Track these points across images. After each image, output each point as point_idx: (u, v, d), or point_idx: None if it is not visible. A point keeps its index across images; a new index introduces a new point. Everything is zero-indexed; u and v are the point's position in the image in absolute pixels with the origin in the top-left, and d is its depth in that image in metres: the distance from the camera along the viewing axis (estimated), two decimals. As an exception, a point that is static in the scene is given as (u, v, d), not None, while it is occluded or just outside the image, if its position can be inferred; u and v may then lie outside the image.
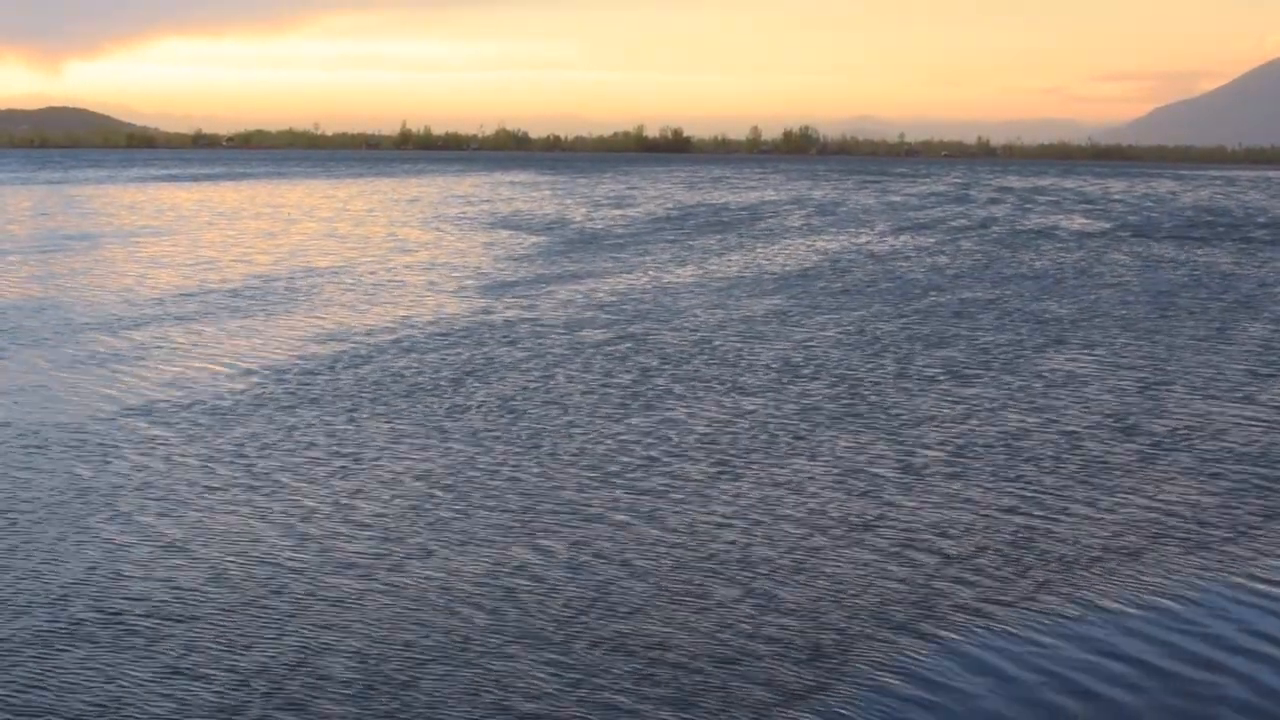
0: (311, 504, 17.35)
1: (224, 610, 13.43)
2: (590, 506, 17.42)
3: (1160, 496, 18.38)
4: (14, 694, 11.41)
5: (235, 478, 18.59)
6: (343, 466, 19.28)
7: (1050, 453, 20.73)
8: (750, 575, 14.80)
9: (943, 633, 13.14)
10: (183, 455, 19.86)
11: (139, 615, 13.27)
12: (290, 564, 14.91)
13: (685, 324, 33.84)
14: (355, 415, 22.68)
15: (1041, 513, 17.51)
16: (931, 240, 64.25)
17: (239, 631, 12.88)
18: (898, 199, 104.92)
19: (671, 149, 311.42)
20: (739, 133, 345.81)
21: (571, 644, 12.66)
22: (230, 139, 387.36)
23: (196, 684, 11.66)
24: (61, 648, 12.43)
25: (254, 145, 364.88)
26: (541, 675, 11.91)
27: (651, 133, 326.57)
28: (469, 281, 43.41)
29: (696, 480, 18.80)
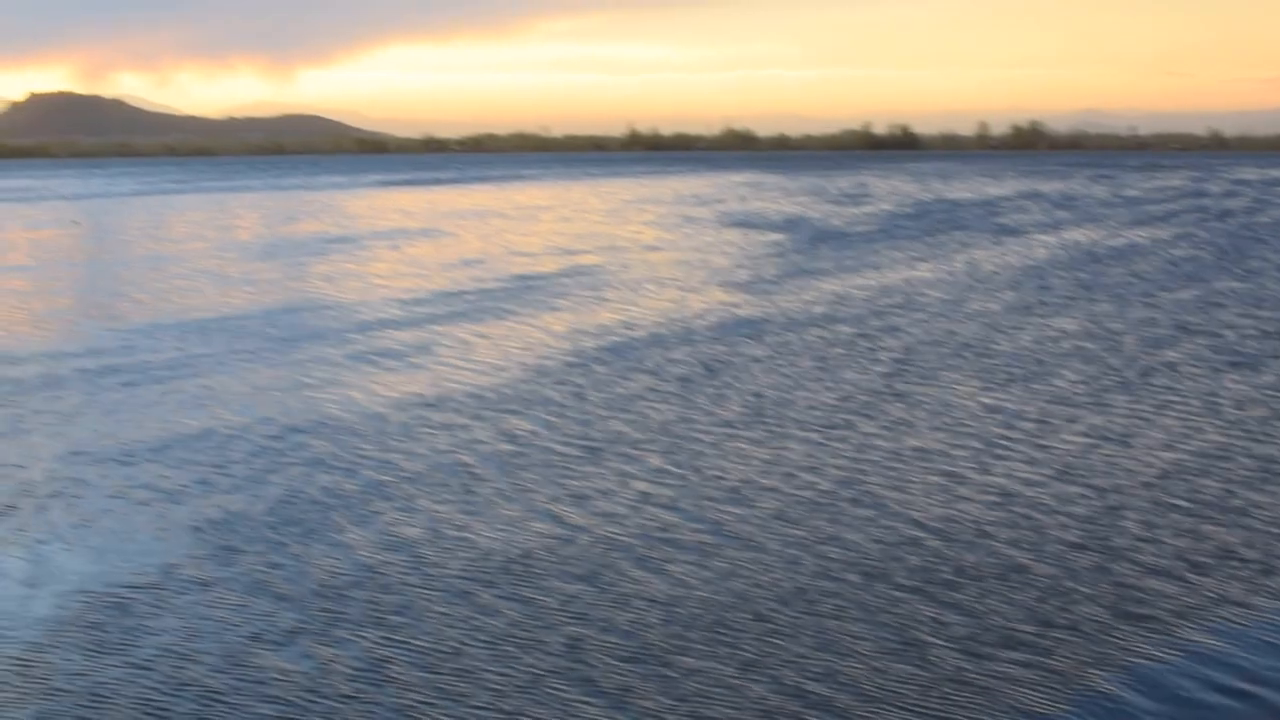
0: (636, 480, 18.96)
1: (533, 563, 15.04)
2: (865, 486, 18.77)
3: None
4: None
5: (533, 462, 20.27)
6: (640, 446, 20.86)
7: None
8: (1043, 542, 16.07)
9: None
10: (482, 440, 21.62)
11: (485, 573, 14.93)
12: (621, 538, 16.50)
13: (932, 318, 34.93)
14: (628, 405, 24.29)
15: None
16: (1169, 233, 64.16)
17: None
18: (1132, 193, 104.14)
19: (899, 146, 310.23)
20: (966, 129, 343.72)
21: (893, 614, 14.06)
22: (460, 143, 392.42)
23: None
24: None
25: (484, 149, 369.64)
26: (857, 643, 13.33)
27: (879, 130, 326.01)
28: (722, 278, 44.87)
29: (950, 467, 20.02)
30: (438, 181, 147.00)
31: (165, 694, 11.94)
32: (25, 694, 11.95)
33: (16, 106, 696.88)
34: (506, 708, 11.62)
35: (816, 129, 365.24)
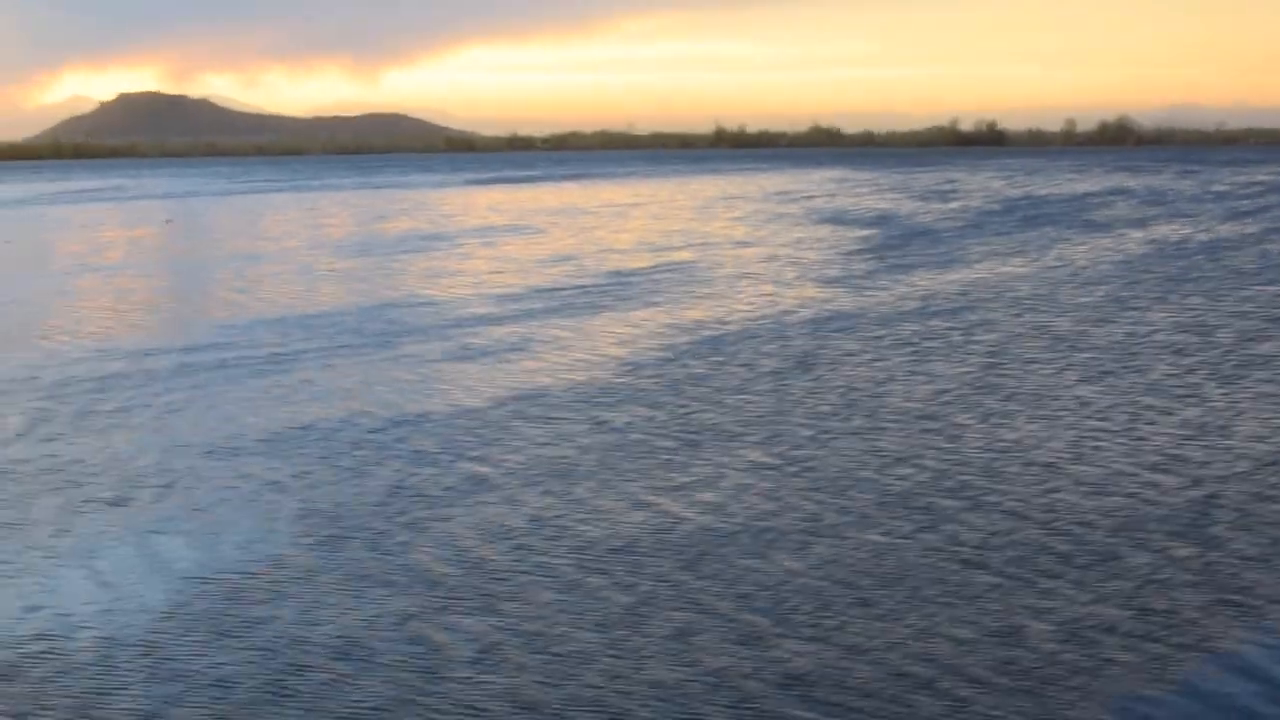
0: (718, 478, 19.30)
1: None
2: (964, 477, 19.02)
3: None
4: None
5: (635, 458, 20.62)
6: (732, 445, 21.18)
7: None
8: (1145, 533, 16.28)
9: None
10: (581, 433, 22.01)
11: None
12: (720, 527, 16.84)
13: (1025, 312, 35.03)
14: (725, 398, 24.63)
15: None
16: (1259, 228, 63.75)
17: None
18: (1222, 187, 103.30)
19: (985, 142, 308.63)
20: (1053, 125, 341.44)
21: (980, 605, 14.31)
22: (545, 140, 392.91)
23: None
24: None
25: (569, 146, 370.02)
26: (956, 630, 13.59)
27: (965, 126, 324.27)
28: (813, 274, 45.09)
29: (1044, 459, 20.22)
30: (526, 179, 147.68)
31: (285, 676, 12.32)
32: (151, 677, 12.35)
33: (106, 107, 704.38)
34: (617, 688, 11.92)
35: (902, 126, 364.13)
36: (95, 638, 13.30)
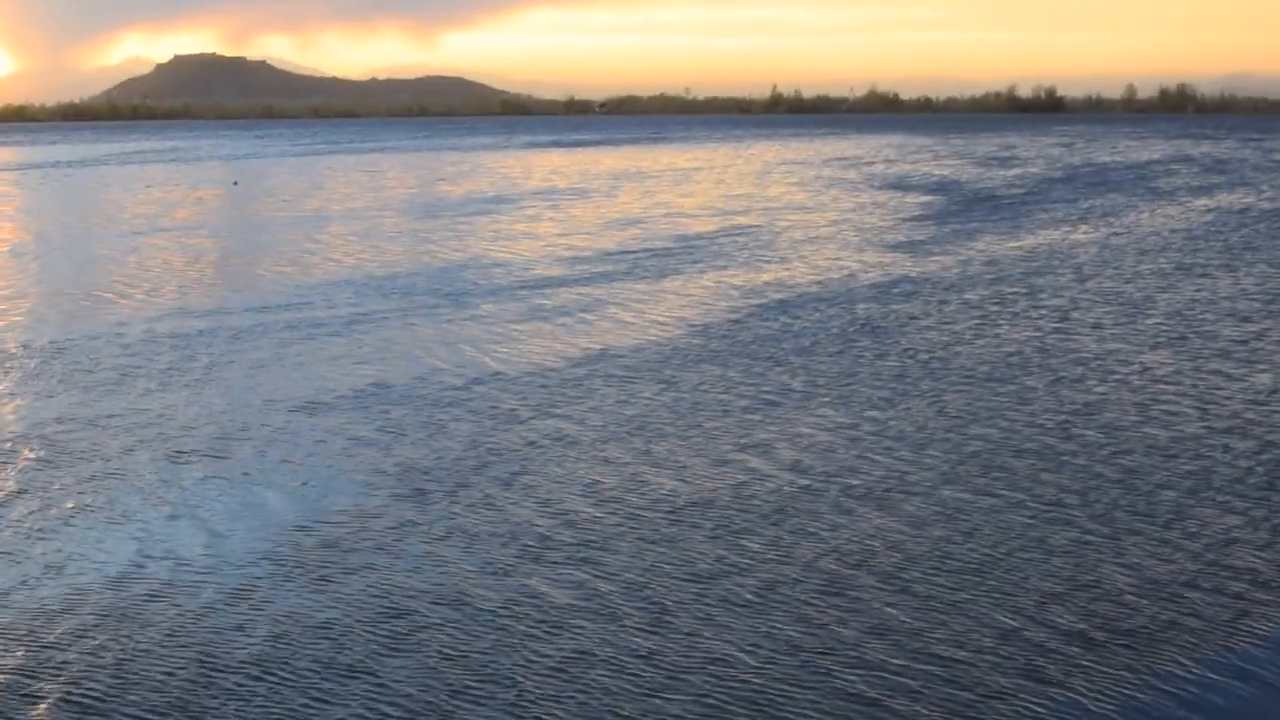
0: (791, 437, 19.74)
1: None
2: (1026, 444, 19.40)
3: None
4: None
5: (700, 412, 21.08)
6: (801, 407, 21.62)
7: None
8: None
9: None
10: (658, 394, 22.47)
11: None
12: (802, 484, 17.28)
13: (1090, 278, 35.28)
14: (797, 360, 25.05)
15: None
16: (1326, 198, 63.67)
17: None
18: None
19: (1044, 109, 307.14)
20: (1113, 91, 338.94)
21: (1016, 583, 14.73)
22: (603, 104, 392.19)
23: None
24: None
25: (626, 110, 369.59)
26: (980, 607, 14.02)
27: (1024, 93, 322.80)
28: (876, 239, 45.43)
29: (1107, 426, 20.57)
30: (585, 143, 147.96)
31: (389, 621, 12.84)
32: (253, 622, 12.88)
33: (162, 68, 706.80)
34: (707, 634, 12.39)
35: (960, 91, 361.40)
36: (205, 583, 13.85)
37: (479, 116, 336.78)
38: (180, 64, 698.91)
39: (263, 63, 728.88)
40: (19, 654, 12.05)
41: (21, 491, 17.05)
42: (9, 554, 14.70)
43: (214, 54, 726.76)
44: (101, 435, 19.81)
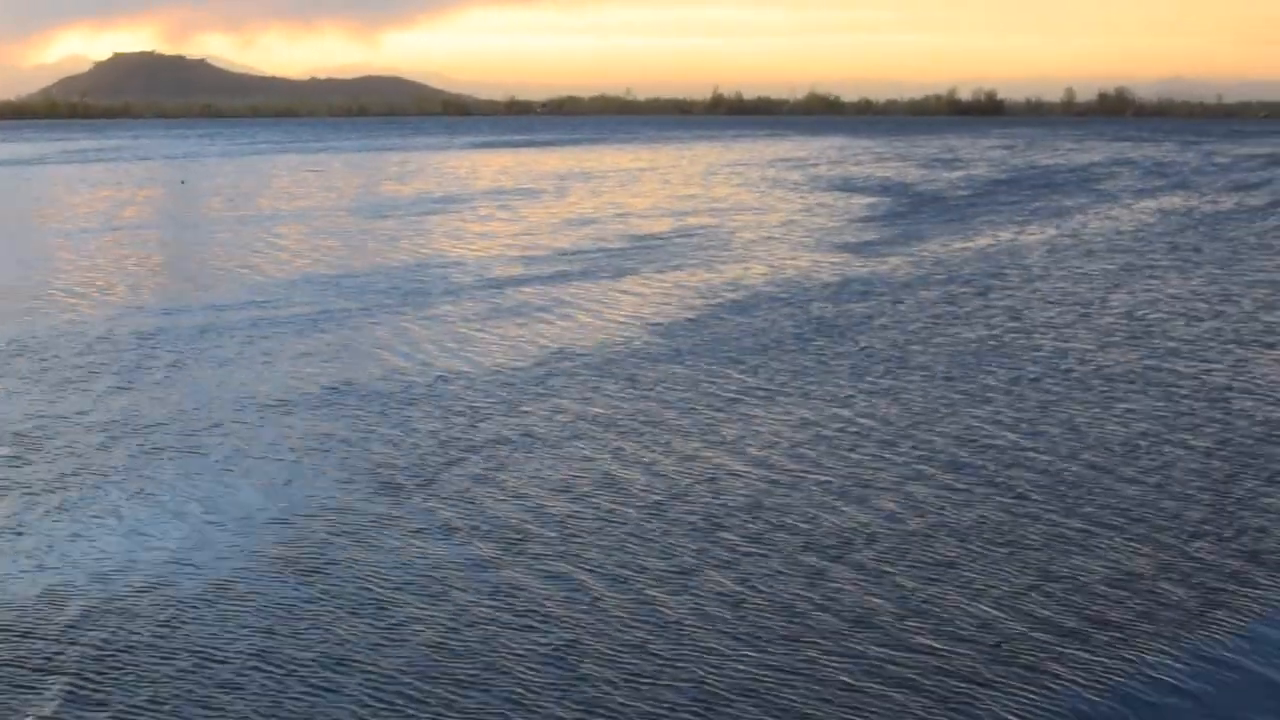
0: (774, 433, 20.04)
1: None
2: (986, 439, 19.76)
3: None
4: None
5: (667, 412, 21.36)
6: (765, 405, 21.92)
7: None
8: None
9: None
10: (620, 394, 22.74)
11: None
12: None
13: (1040, 279, 35.77)
14: (761, 359, 25.38)
15: None
16: (1264, 200, 64.44)
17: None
18: (1224, 160, 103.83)
19: (984, 111, 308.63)
20: (1053, 95, 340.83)
21: (1001, 568, 15.08)
22: (544, 105, 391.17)
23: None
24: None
25: (566, 111, 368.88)
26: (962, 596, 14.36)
27: (964, 95, 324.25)
28: (828, 240, 45.86)
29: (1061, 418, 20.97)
30: (530, 144, 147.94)
31: (374, 610, 13.08)
32: (230, 613, 13.09)
33: (100, 66, 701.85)
34: (690, 623, 12.67)
35: (901, 94, 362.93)
36: (194, 577, 14.04)
37: (420, 116, 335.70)
38: (119, 62, 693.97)
39: (202, 61, 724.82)
40: (11, 646, 12.21)
41: (22, 487, 17.18)
42: (-6, 548, 14.86)
43: (153, 52, 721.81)
44: (73, 431, 19.90)
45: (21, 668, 11.80)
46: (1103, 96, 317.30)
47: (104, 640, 12.37)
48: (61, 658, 12.00)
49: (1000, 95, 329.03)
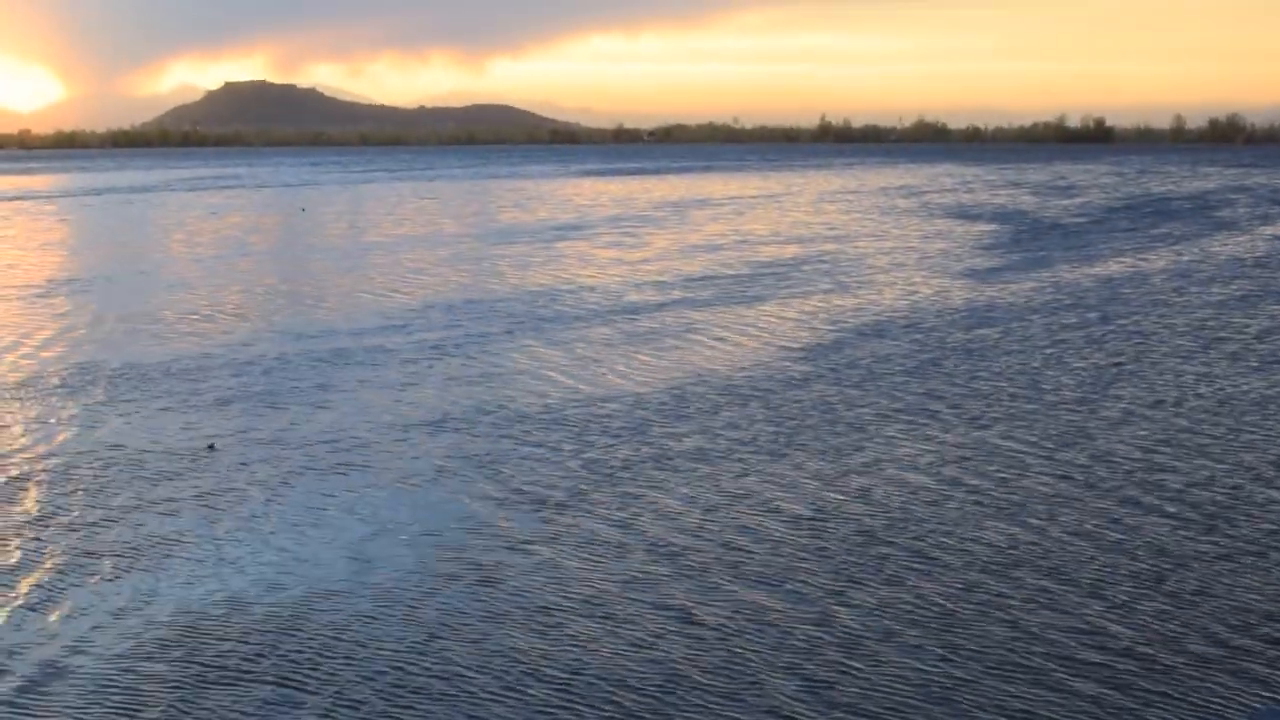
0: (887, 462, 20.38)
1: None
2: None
3: None
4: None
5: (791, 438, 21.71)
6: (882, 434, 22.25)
7: None
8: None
9: None
10: (761, 418, 23.12)
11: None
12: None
13: (1165, 306, 35.80)
14: (889, 381, 25.69)
15: None
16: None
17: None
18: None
19: (1092, 139, 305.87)
20: (1161, 122, 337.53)
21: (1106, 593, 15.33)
22: (651, 133, 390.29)
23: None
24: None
25: (674, 139, 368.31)
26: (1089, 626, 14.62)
27: (1072, 123, 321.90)
28: (951, 266, 46.00)
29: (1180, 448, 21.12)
30: (640, 171, 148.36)
31: (544, 627, 13.52)
32: (406, 622, 13.58)
33: (212, 95, 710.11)
34: (871, 641, 13.04)
35: (1008, 121, 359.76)
36: (366, 589, 14.56)
37: (528, 144, 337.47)
38: (230, 91, 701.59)
39: (312, 90, 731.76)
40: (184, 652, 12.78)
41: (194, 501, 17.81)
42: (167, 559, 15.45)
43: (264, 81, 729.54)
44: (238, 448, 20.54)
45: (225, 669, 12.33)
46: (1213, 123, 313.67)
47: (297, 645, 12.89)
48: (263, 660, 12.52)
49: (1109, 122, 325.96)
